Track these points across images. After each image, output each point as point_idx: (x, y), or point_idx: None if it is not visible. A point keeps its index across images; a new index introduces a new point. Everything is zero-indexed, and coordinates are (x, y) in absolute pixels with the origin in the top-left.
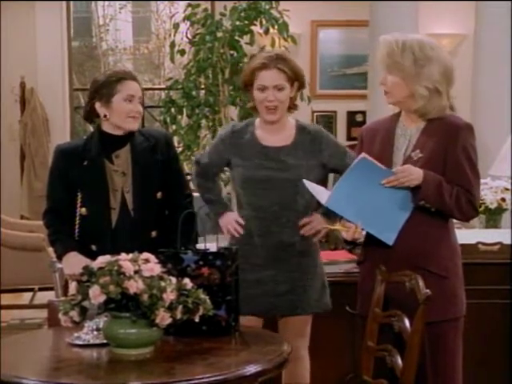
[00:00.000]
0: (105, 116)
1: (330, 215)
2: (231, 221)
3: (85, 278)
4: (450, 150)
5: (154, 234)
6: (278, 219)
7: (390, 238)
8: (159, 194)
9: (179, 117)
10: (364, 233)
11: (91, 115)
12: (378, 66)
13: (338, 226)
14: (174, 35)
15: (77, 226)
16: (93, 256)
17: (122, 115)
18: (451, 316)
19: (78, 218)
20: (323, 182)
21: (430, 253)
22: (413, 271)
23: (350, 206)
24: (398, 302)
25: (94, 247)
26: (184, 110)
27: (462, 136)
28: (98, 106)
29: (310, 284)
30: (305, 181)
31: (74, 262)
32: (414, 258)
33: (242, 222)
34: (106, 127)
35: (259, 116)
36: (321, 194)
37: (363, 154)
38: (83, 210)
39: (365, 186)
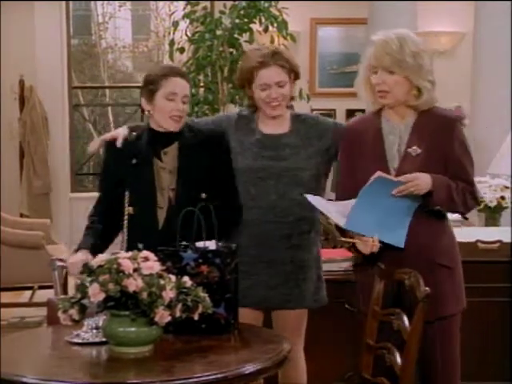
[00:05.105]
0: (148, 112)
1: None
2: None
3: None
4: (449, 145)
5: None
6: (274, 209)
7: (400, 241)
8: (204, 195)
9: None
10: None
11: (143, 110)
12: (369, 65)
13: (354, 240)
14: (174, 33)
15: (125, 225)
16: None
17: (163, 114)
18: (461, 308)
19: (125, 217)
20: (326, 169)
21: (437, 245)
22: (426, 267)
23: (366, 222)
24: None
25: (140, 246)
26: None
27: (458, 129)
28: (143, 101)
29: (303, 278)
30: (308, 197)
31: (77, 259)
32: (424, 253)
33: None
34: (152, 124)
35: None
36: (326, 207)
37: (379, 173)
38: (130, 209)
39: (376, 201)
